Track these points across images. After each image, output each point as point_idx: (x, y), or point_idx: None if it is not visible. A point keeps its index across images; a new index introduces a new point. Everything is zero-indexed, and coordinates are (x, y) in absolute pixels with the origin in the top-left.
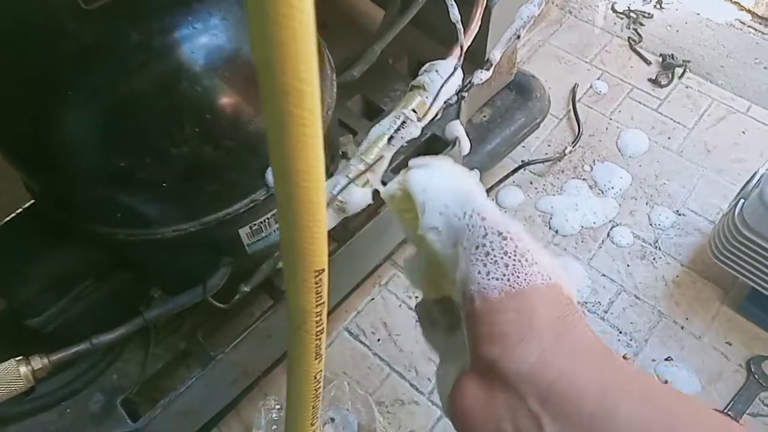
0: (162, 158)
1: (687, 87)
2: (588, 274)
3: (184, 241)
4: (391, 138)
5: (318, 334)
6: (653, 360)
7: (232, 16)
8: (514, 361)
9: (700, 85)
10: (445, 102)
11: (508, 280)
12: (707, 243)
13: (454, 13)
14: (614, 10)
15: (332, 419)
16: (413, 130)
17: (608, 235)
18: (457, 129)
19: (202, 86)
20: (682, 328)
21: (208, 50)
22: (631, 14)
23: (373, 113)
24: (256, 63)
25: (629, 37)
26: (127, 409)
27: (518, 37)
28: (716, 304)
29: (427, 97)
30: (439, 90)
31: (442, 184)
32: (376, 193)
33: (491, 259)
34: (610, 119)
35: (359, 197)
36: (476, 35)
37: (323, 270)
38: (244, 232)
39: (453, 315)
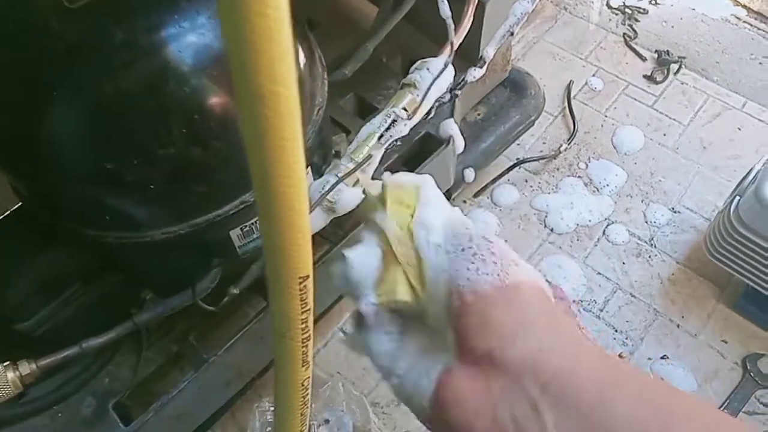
0: (149, 159)
1: (682, 83)
2: (583, 273)
3: (173, 244)
4: (381, 137)
5: (304, 341)
6: (649, 358)
7: None
8: (515, 350)
9: (696, 81)
10: (438, 100)
11: (498, 275)
12: (703, 241)
13: (444, 10)
14: (609, 6)
15: (327, 420)
16: (403, 129)
17: (603, 233)
18: (451, 127)
19: (189, 86)
20: (678, 326)
21: (196, 49)
22: (626, 10)
23: (366, 112)
24: (230, 65)
25: (624, 33)
26: (119, 413)
27: (512, 34)
28: (712, 302)
29: (417, 95)
30: (429, 88)
31: (438, 192)
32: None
33: (479, 258)
34: (606, 116)
35: (349, 197)
36: (469, 32)
37: (308, 276)
38: (234, 233)
39: (403, 318)
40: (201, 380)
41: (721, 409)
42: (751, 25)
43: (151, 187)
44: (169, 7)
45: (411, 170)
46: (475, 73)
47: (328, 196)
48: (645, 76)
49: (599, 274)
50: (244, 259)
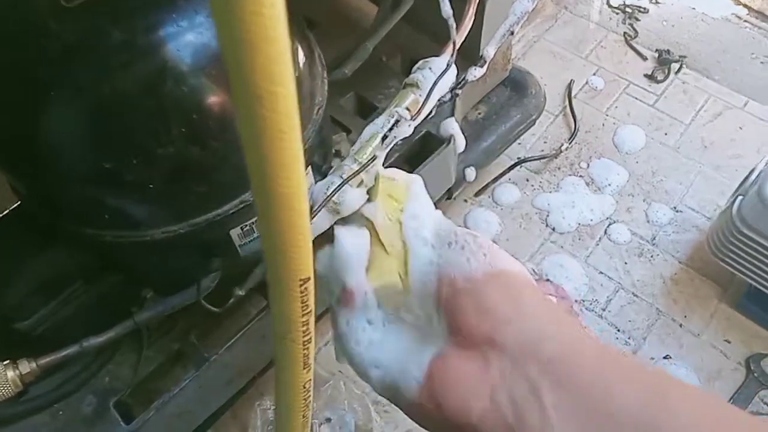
0: (148, 159)
1: (683, 82)
2: (585, 272)
3: (173, 243)
4: (384, 137)
5: (305, 344)
6: (652, 358)
7: None
8: (514, 332)
9: (697, 80)
10: (439, 100)
11: (489, 263)
12: (705, 240)
13: (446, 9)
14: (610, 6)
15: (329, 419)
16: (406, 129)
17: (605, 232)
18: (452, 126)
19: (188, 85)
20: (681, 325)
21: (194, 48)
22: (627, 9)
23: (367, 111)
24: (226, 65)
25: (625, 33)
26: (120, 411)
27: (512, 33)
28: (714, 301)
29: (420, 95)
30: (432, 87)
31: (426, 192)
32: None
33: (468, 250)
34: (607, 115)
35: (353, 198)
36: (470, 31)
37: (309, 278)
38: (235, 233)
39: (384, 311)
40: (202, 379)
41: None
42: (752, 25)
43: (150, 186)
44: (167, 6)
45: (412, 169)
46: (475, 73)
47: (332, 198)
48: (646, 75)
49: (601, 273)
50: (245, 258)
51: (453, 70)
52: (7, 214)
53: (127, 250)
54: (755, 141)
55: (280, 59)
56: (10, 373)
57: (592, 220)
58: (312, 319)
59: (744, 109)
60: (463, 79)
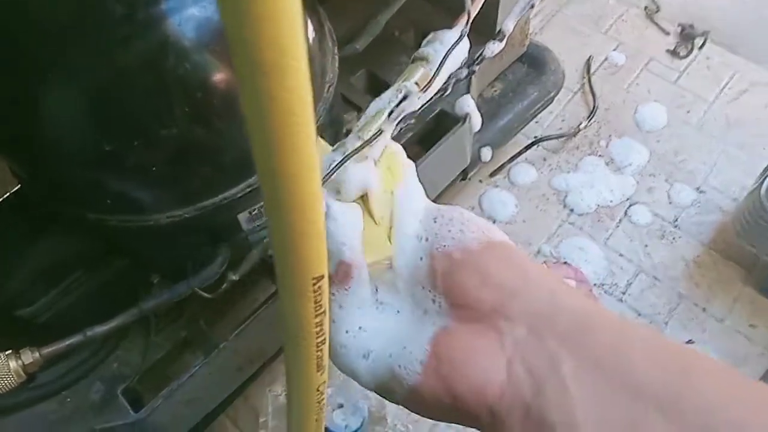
0: (150, 140)
1: (707, 58)
2: (605, 255)
3: (179, 228)
4: (391, 112)
5: (319, 345)
6: None
7: None
8: (524, 302)
9: (722, 55)
10: (454, 76)
11: (483, 233)
12: (730, 222)
13: None
14: None
15: (341, 405)
16: (414, 102)
17: (626, 213)
18: (467, 104)
19: (191, 62)
20: (704, 310)
21: (197, 23)
22: None
23: (378, 89)
24: (227, 36)
25: (646, 7)
26: (128, 399)
27: (532, 6)
28: (738, 285)
29: (430, 69)
30: (443, 61)
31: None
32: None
33: (458, 222)
34: (627, 92)
35: (356, 175)
36: (485, 3)
37: (323, 276)
38: (243, 217)
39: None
40: (211, 366)
41: None
42: None
43: (153, 169)
44: None
45: (426, 150)
46: (493, 48)
47: (333, 176)
48: (668, 51)
49: (621, 256)
50: (254, 243)
51: (465, 42)
52: (7, 198)
53: (131, 236)
54: None
55: (291, 28)
56: (13, 364)
57: (611, 201)
58: (326, 319)
59: None
60: (481, 54)
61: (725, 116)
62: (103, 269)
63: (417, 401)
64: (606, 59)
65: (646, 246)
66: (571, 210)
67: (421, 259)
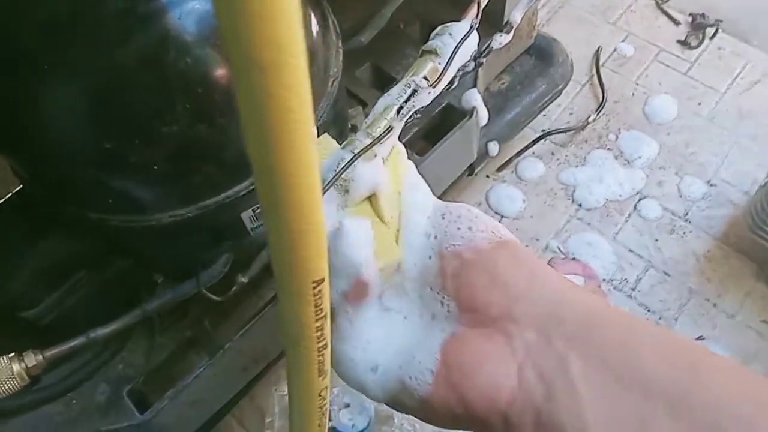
0: (151, 138)
1: (719, 48)
2: (614, 250)
3: (182, 227)
4: (400, 108)
5: (320, 350)
6: None
7: None
8: (532, 303)
9: (734, 45)
10: (461, 69)
11: (492, 232)
12: (742, 216)
13: None
14: None
15: (347, 404)
16: (424, 99)
17: (635, 208)
18: (474, 98)
19: (192, 57)
20: (715, 305)
21: (198, 16)
22: None
23: (384, 82)
24: (222, 33)
25: None
26: (134, 400)
27: None
28: (750, 280)
29: (439, 63)
30: (453, 54)
31: None
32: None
33: (466, 219)
34: (637, 84)
35: (365, 174)
36: None
37: (323, 280)
38: (246, 216)
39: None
40: (216, 366)
41: None
42: None
43: (155, 167)
44: None
45: (432, 144)
46: (501, 39)
47: (343, 175)
48: (678, 41)
49: (631, 251)
50: (258, 242)
51: (475, 35)
52: (9, 199)
53: (134, 236)
54: None
55: (287, 22)
56: (16, 367)
57: (621, 195)
58: (327, 323)
59: None
60: (488, 46)
61: (737, 107)
62: (106, 269)
63: (428, 411)
64: (615, 50)
65: (656, 241)
66: (580, 205)
67: (430, 257)
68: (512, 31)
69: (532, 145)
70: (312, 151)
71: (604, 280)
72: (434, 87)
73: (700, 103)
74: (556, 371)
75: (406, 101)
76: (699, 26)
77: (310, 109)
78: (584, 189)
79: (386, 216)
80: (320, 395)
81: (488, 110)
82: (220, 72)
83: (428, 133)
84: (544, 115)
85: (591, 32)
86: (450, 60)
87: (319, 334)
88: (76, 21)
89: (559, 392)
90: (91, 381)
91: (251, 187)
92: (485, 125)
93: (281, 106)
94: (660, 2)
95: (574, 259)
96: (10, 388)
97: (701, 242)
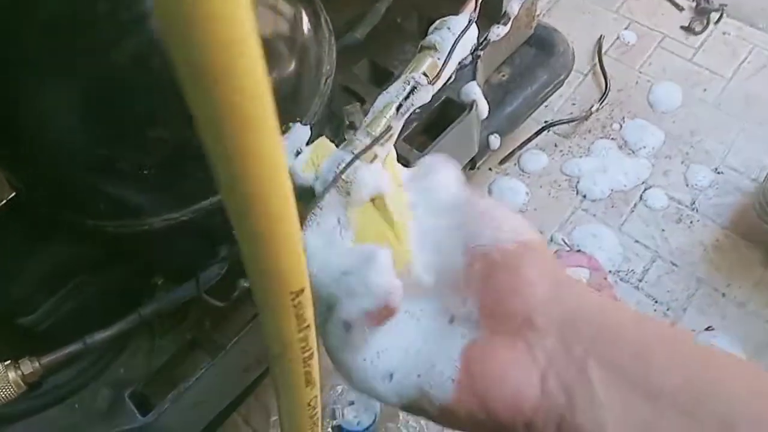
0: (143, 143)
1: (724, 33)
2: (620, 241)
3: (175, 231)
4: (400, 106)
5: (306, 360)
6: (693, 330)
7: None
8: (553, 310)
9: (739, 30)
10: (459, 63)
11: (515, 230)
12: (750, 203)
13: None
14: None
15: (352, 402)
16: (424, 96)
17: (641, 198)
18: (473, 91)
19: None
20: (723, 295)
21: None
22: None
23: (382, 78)
24: (163, 37)
25: None
26: (136, 403)
27: None
28: (760, 268)
29: (439, 59)
30: (452, 49)
31: None
32: None
33: (489, 216)
34: (640, 72)
35: (366, 175)
36: None
37: (302, 290)
38: None
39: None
40: (218, 367)
41: None
42: None
43: (146, 172)
44: None
45: (432, 139)
46: (498, 31)
47: (343, 176)
48: (682, 27)
49: (637, 242)
50: None
51: (474, 28)
52: (5, 204)
53: (129, 240)
54: None
55: (239, 23)
56: (12, 374)
57: (626, 185)
58: (311, 334)
59: None
60: (485, 38)
61: (744, 93)
62: (104, 274)
63: (450, 418)
64: (617, 38)
65: (663, 231)
66: (584, 196)
67: (451, 256)
68: (510, 23)
69: (535, 137)
70: (280, 160)
71: (610, 271)
72: (434, 83)
73: (705, 90)
74: (576, 378)
75: (405, 98)
76: (703, 11)
77: (270, 98)
78: (588, 180)
79: (395, 217)
80: (309, 405)
81: (489, 103)
82: None
83: (428, 127)
84: (547, 106)
85: (592, 21)
86: (449, 55)
87: (303, 345)
88: (63, 23)
89: (579, 399)
90: (93, 385)
91: None
92: (486, 118)
93: (239, 113)
94: None
95: (579, 251)
96: (6, 396)
97: (709, 231)
